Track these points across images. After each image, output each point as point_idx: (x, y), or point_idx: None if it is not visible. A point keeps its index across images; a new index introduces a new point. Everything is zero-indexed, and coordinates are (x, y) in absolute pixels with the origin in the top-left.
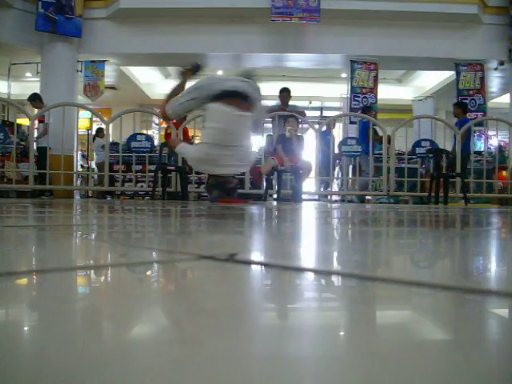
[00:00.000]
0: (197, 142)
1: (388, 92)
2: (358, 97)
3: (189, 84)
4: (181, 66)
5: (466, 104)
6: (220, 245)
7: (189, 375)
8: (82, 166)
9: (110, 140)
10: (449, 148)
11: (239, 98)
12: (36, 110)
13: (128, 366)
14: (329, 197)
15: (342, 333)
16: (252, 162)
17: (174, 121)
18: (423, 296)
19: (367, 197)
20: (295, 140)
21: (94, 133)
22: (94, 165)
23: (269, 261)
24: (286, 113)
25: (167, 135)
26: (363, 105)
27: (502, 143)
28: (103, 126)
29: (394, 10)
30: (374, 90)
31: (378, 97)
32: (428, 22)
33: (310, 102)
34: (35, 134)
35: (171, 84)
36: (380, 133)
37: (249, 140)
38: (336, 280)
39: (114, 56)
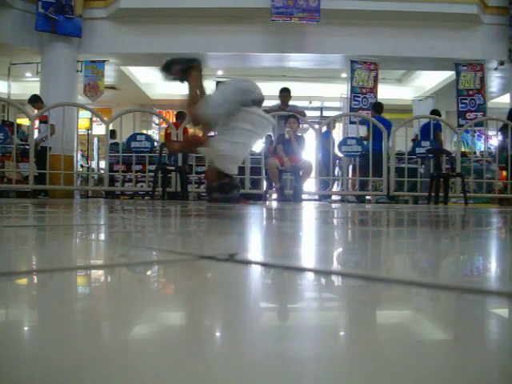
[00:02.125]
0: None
1: (388, 92)
2: (358, 97)
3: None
4: (170, 68)
5: (378, 104)
6: (220, 245)
7: (189, 375)
8: (81, 166)
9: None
10: (448, 148)
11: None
12: (37, 111)
13: (128, 366)
14: (332, 197)
15: (342, 333)
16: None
17: (175, 121)
18: (423, 296)
19: (367, 197)
20: (295, 140)
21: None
22: (93, 165)
23: (269, 261)
24: (286, 113)
25: (167, 135)
26: (371, 103)
27: None
28: (104, 127)
29: (393, 9)
30: (373, 90)
31: (378, 97)
32: (428, 22)
33: (310, 102)
34: (35, 134)
35: (185, 88)
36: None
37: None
38: (336, 280)
39: (114, 56)
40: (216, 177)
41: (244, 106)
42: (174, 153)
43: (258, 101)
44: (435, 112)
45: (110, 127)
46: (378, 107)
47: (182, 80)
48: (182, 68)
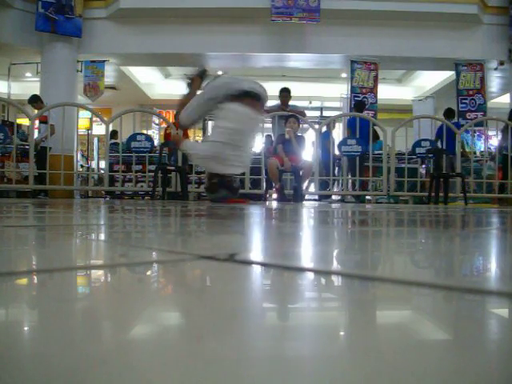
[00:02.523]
0: (200, 139)
1: (388, 92)
2: (358, 97)
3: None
4: (187, 75)
5: (360, 103)
6: (220, 245)
7: (189, 375)
8: (81, 166)
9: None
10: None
11: (255, 99)
12: (37, 111)
13: (128, 366)
14: (333, 197)
15: (341, 333)
16: (248, 165)
17: (175, 120)
18: (423, 296)
19: (367, 197)
20: (296, 140)
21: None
22: (93, 165)
23: (269, 261)
24: (286, 113)
25: (167, 135)
26: (355, 101)
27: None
28: (104, 127)
29: (393, 9)
30: (374, 90)
31: (378, 97)
32: (428, 22)
33: (310, 102)
34: (35, 134)
35: (182, 91)
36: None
37: (253, 142)
38: (336, 280)
39: (114, 56)
40: (208, 177)
41: (218, 102)
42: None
43: (233, 94)
44: (450, 111)
45: (110, 127)
46: (360, 106)
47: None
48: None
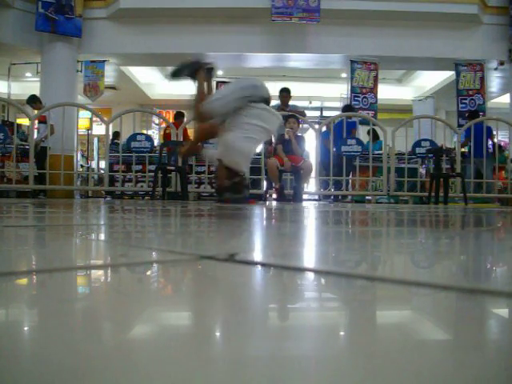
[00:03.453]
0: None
1: (388, 92)
2: (358, 97)
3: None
4: (184, 67)
5: (347, 106)
6: (220, 245)
7: (189, 376)
8: (81, 166)
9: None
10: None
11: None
12: (36, 111)
13: (128, 366)
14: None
15: (342, 333)
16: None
17: (174, 120)
18: (423, 296)
19: (367, 197)
20: (295, 140)
21: (111, 137)
22: (93, 165)
23: (269, 261)
24: (286, 113)
25: (167, 135)
26: (344, 104)
27: (502, 143)
28: (104, 127)
29: (394, 10)
30: (374, 90)
31: (378, 97)
32: (428, 22)
33: (310, 102)
34: (35, 134)
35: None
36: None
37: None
38: (336, 280)
39: (114, 56)
40: (227, 176)
41: (252, 101)
42: (186, 155)
43: (266, 98)
44: (475, 112)
45: (110, 127)
46: (348, 110)
47: (194, 80)
48: (191, 72)
